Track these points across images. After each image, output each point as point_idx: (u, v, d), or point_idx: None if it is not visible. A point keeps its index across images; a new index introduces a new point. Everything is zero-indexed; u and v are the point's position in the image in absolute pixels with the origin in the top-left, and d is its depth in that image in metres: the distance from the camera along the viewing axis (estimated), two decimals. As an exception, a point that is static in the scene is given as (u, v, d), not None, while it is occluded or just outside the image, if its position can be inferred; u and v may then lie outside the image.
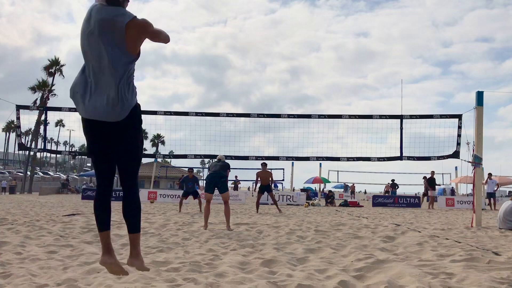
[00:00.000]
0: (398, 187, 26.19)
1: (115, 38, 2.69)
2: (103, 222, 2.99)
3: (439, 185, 21.39)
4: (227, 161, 9.01)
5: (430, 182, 20.40)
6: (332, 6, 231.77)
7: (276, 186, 37.61)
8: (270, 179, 14.24)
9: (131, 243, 3.05)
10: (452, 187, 32.37)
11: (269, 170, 14.49)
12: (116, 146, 2.83)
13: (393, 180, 26.06)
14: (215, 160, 9.18)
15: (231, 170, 8.94)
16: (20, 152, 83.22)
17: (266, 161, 14.18)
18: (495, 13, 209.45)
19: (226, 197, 8.45)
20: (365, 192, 49.60)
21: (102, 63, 2.69)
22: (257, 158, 11.84)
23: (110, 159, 2.92)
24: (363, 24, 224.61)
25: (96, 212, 3.01)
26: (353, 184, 35.05)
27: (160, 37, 2.83)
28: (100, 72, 2.71)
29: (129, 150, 2.87)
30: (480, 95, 9.96)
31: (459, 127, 11.26)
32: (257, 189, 14.69)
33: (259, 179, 14.19)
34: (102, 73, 2.70)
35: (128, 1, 2.90)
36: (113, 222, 8.80)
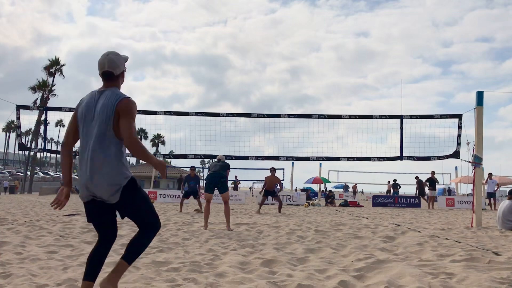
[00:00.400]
0: (400, 187, 25.97)
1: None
2: (91, 273, 2.95)
3: (437, 182, 21.32)
4: (227, 161, 9.00)
5: (430, 182, 20.43)
6: (332, 6, 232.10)
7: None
8: (277, 184, 14.63)
9: (115, 268, 2.96)
10: (449, 187, 32.40)
11: (277, 176, 14.95)
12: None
13: (395, 180, 25.90)
14: (215, 160, 9.17)
15: (231, 170, 8.94)
16: (20, 152, 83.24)
17: (274, 166, 14.57)
18: (495, 13, 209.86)
19: (226, 197, 8.44)
20: (362, 192, 49.28)
21: None
22: (257, 158, 11.82)
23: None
24: (363, 24, 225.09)
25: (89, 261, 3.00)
26: (355, 184, 34.88)
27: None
28: None
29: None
30: (480, 95, 9.96)
31: (459, 127, 11.26)
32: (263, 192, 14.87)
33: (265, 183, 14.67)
34: None
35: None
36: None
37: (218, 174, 8.38)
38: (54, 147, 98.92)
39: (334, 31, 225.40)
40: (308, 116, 12.30)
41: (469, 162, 10.01)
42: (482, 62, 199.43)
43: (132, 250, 2.96)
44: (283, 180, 29.91)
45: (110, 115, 2.77)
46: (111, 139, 2.80)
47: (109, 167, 2.78)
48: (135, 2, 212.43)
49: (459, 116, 11.34)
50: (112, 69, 2.89)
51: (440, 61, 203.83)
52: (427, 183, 20.57)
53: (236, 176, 31.86)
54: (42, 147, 25.45)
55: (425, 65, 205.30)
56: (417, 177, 22.30)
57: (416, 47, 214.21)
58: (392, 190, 26.58)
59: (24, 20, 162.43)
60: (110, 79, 2.92)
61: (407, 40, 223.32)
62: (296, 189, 31.92)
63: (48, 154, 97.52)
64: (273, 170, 14.56)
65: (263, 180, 15.13)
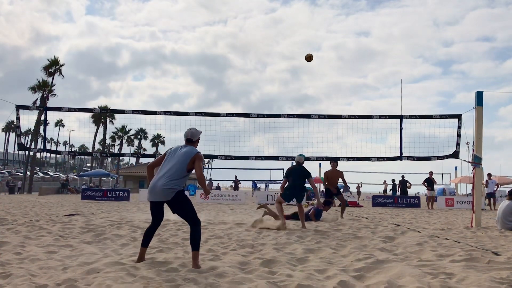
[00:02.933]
0: (410, 186, 24.61)
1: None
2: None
3: (435, 182, 21.33)
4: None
5: (428, 183, 20.48)
6: (332, 5, 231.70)
7: (255, 186, 37.10)
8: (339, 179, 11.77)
9: (193, 258, 4.38)
10: (444, 188, 32.34)
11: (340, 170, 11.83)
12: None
13: (403, 177, 24.90)
14: (294, 164, 8.79)
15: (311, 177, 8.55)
16: (20, 152, 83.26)
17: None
18: (496, 12, 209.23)
19: (301, 205, 8.68)
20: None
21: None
22: (256, 158, 11.82)
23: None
24: (364, 24, 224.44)
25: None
26: (359, 184, 34.47)
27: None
28: None
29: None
30: (479, 95, 9.96)
31: (459, 127, 11.26)
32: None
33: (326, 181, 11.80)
34: None
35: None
36: (113, 222, 8.81)
37: (300, 188, 8.47)
38: (53, 147, 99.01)
39: (335, 31, 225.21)
40: (308, 116, 12.30)
41: (469, 162, 10.02)
42: (482, 62, 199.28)
43: (192, 242, 4.39)
44: (282, 180, 29.86)
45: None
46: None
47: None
48: (134, 1, 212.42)
49: (458, 116, 11.35)
50: (191, 137, 4.73)
51: (440, 61, 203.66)
52: (425, 184, 20.61)
53: (236, 176, 31.90)
54: (42, 147, 25.44)
55: (425, 64, 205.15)
56: (402, 177, 23.29)
57: (417, 46, 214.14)
58: (398, 189, 25.74)
59: (23, 19, 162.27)
60: (190, 142, 4.71)
61: (407, 39, 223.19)
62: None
63: (48, 154, 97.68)
64: (334, 162, 11.59)
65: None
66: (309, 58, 9.38)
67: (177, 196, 4.36)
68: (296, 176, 8.46)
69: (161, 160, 4.68)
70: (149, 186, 4.47)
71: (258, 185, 39.75)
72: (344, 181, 12.11)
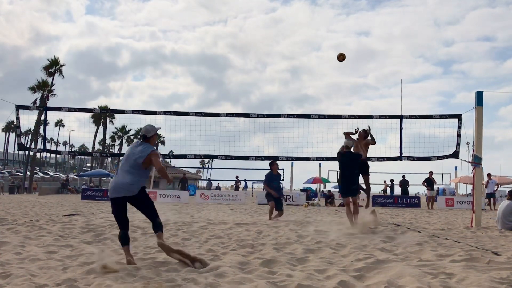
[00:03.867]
0: (408, 185, 24.47)
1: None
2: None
3: (435, 182, 21.36)
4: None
5: (428, 183, 20.49)
6: (333, 4, 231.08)
7: (246, 186, 36.74)
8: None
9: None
10: (438, 188, 32.28)
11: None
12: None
13: (403, 176, 24.83)
14: (343, 151, 8.04)
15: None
16: (20, 152, 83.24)
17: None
18: (497, 12, 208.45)
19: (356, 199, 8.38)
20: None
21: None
22: (256, 158, 11.81)
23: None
24: (364, 23, 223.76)
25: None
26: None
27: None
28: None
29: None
30: (479, 95, 9.96)
31: (459, 127, 11.25)
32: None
33: None
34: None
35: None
36: (113, 222, 8.80)
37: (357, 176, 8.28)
38: (53, 147, 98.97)
39: (335, 30, 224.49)
40: (308, 116, 12.29)
41: (469, 162, 10.02)
42: (483, 62, 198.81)
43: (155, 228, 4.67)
44: (282, 180, 29.61)
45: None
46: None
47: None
48: (134, 1, 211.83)
49: (458, 116, 11.34)
50: (146, 133, 4.91)
51: (441, 61, 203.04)
52: (425, 184, 20.62)
53: (237, 176, 31.85)
54: (42, 147, 25.43)
55: (426, 64, 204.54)
56: (403, 177, 23.49)
57: (417, 46, 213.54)
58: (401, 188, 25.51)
59: (22, 19, 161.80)
60: (145, 138, 4.89)
61: (408, 39, 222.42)
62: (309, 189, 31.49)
63: (48, 154, 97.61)
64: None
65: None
66: (342, 57, 8.98)
67: (141, 192, 4.62)
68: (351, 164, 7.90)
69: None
70: (111, 185, 4.71)
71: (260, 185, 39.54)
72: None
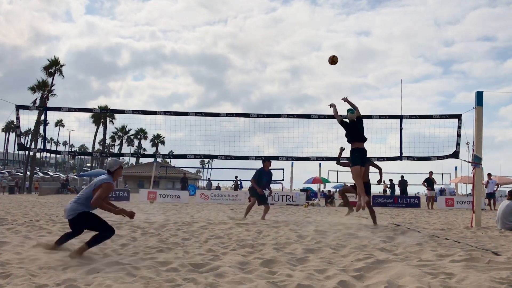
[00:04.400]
0: (407, 185, 24.39)
1: None
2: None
3: (435, 182, 21.36)
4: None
5: (428, 183, 20.50)
6: (333, 4, 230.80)
7: (241, 186, 36.56)
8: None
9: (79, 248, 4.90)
10: (444, 188, 32.30)
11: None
12: None
13: (402, 177, 24.79)
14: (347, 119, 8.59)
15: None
16: (20, 152, 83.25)
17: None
18: (497, 11, 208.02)
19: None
20: None
21: None
22: (256, 158, 11.80)
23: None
24: (364, 23, 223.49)
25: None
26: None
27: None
28: None
29: None
30: (479, 95, 9.96)
31: (459, 127, 11.25)
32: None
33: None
34: None
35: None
36: (113, 222, 8.80)
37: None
38: (53, 147, 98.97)
39: (335, 30, 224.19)
40: (308, 116, 12.28)
41: (469, 162, 10.02)
42: (483, 62, 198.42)
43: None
44: (282, 180, 29.59)
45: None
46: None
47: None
48: (134, 1, 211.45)
49: (458, 116, 11.34)
50: (109, 168, 5.19)
51: (441, 61, 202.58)
52: (425, 184, 20.63)
53: (236, 177, 31.83)
54: (42, 147, 25.44)
55: (426, 64, 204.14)
56: (402, 177, 23.63)
57: (417, 46, 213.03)
58: (398, 189, 25.55)
59: (22, 19, 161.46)
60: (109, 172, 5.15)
61: (408, 39, 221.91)
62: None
63: (48, 154, 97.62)
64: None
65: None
66: (332, 61, 8.68)
67: (79, 217, 4.88)
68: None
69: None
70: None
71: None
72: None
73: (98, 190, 4.88)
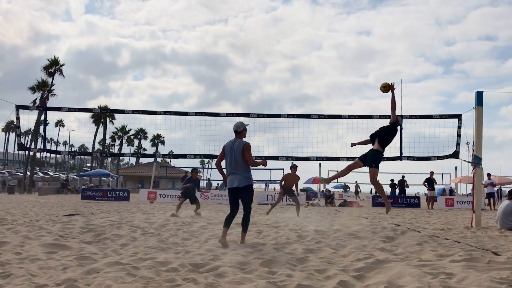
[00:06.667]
0: (397, 187, 24.55)
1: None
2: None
3: (435, 182, 21.36)
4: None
5: (428, 183, 20.51)
6: (334, 4, 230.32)
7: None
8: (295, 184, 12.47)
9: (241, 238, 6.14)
10: (450, 187, 32.24)
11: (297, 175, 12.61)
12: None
13: (403, 177, 24.71)
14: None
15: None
16: (20, 152, 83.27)
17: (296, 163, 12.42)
18: (499, 11, 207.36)
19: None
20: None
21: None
22: (256, 158, 11.81)
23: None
24: (365, 23, 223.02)
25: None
26: (357, 183, 33.92)
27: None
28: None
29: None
30: (479, 95, 9.96)
31: (459, 127, 11.26)
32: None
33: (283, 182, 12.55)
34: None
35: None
36: (112, 222, 8.81)
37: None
38: (53, 147, 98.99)
39: (336, 30, 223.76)
40: (308, 116, 12.30)
41: (469, 162, 10.02)
42: (484, 61, 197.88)
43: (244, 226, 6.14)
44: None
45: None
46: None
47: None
48: (134, 0, 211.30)
49: (458, 116, 11.35)
50: (236, 128, 6.15)
51: (442, 60, 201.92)
52: (426, 184, 20.63)
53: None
54: (42, 147, 25.45)
55: (426, 64, 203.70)
56: (402, 177, 23.67)
57: (418, 45, 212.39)
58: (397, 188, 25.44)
59: (21, 18, 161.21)
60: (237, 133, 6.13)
61: (409, 38, 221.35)
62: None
63: (48, 154, 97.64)
64: (293, 168, 12.33)
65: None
66: (385, 88, 8.18)
67: (249, 188, 6.01)
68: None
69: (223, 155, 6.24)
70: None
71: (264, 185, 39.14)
72: (297, 187, 12.55)
73: (246, 154, 5.84)
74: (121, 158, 78.52)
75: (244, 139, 6.14)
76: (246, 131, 6.17)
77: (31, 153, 44.15)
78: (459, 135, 11.21)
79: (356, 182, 33.49)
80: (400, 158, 11.47)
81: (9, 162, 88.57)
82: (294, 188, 12.44)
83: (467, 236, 7.51)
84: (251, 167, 6.01)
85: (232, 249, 5.61)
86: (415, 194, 43.27)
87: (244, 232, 6.05)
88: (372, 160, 7.77)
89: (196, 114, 12.00)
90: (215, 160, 8.85)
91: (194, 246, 5.79)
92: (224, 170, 6.34)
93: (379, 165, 7.92)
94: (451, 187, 32.16)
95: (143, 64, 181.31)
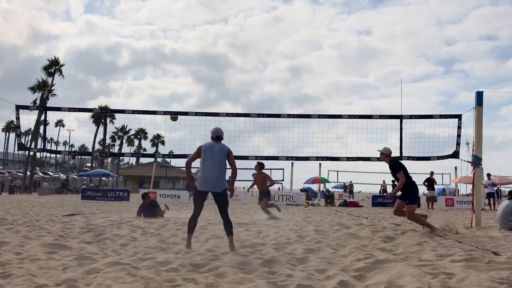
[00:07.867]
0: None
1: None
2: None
3: (435, 182, 21.37)
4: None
5: (428, 183, 20.50)
6: (334, 3, 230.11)
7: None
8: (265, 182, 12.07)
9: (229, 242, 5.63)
10: (445, 188, 32.26)
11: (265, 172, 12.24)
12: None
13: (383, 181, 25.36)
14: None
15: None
16: (20, 152, 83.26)
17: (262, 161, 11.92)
18: (500, 10, 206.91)
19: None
20: (355, 193, 47.03)
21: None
22: (256, 158, 11.81)
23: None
24: (366, 22, 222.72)
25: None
26: (351, 183, 33.77)
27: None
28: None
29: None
30: (479, 95, 9.95)
31: (459, 127, 11.25)
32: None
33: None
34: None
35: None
36: (112, 222, 8.81)
37: None
38: (53, 147, 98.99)
39: (336, 29, 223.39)
40: (308, 116, 12.29)
41: (469, 162, 10.02)
42: (485, 61, 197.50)
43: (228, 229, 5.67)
44: (282, 180, 29.43)
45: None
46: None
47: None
48: (134, 0, 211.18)
49: (458, 116, 11.34)
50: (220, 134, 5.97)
51: (442, 60, 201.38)
52: (426, 184, 20.63)
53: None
54: (42, 147, 25.45)
55: (427, 64, 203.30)
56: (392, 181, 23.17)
57: (419, 45, 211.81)
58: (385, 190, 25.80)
59: (21, 18, 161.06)
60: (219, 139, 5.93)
61: (409, 38, 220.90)
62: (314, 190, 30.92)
63: (48, 154, 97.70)
64: (258, 166, 11.95)
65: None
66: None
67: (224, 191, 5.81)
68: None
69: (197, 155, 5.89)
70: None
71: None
72: (270, 180, 12.33)
73: (231, 160, 5.79)
74: (121, 158, 78.56)
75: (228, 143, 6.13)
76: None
77: (31, 153, 44.14)
78: (459, 135, 11.19)
79: (351, 181, 33.33)
80: (400, 158, 11.45)
81: (9, 162, 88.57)
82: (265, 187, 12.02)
83: (467, 236, 7.51)
84: (233, 173, 5.79)
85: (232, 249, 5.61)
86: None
87: (232, 235, 5.60)
88: (405, 195, 8.02)
89: (196, 114, 11.99)
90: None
91: (194, 246, 5.79)
92: (193, 170, 6.31)
93: (416, 200, 8.08)
94: (453, 190, 32.20)
95: (143, 64, 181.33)
